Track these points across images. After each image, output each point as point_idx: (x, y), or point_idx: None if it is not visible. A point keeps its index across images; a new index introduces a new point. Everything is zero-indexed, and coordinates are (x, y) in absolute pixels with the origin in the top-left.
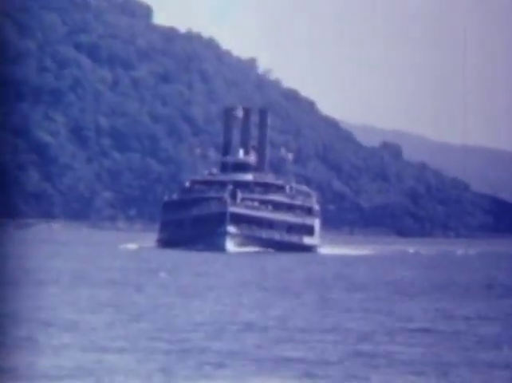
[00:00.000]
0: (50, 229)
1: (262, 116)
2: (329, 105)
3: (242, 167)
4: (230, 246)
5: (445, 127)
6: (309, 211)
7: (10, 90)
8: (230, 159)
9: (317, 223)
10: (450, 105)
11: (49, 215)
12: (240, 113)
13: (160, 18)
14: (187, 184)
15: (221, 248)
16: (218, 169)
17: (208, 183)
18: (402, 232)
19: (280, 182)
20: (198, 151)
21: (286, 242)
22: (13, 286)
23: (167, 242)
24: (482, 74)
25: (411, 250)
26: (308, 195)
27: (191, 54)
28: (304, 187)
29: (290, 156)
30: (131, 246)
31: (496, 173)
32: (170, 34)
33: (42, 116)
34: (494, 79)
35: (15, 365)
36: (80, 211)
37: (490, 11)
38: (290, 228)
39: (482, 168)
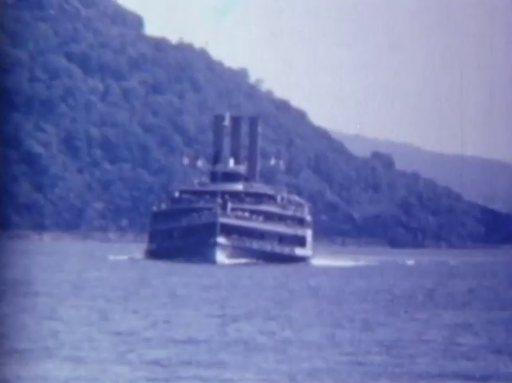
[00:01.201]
0: (41, 240)
1: (253, 124)
2: (321, 116)
3: (232, 176)
4: (221, 257)
5: (440, 137)
6: (300, 222)
7: (2, 100)
8: (219, 168)
9: (309, 233)
10: (446, 115)
11: (40, 226)
12: (228, 121)
13: (151, 29)
14: (176, 194)
15: (211, 260)
16: (208, 179)
17: (197, 193)
18: (394, 243)
19: (271, 192)
20: (186, 160)
21: (278, 254)
22: (1, 296)
23: (156, 254)
24: (480, 84)
25: (410, 261)
26: (299, 206)
27: (183, 64)
28: (295, 197)
29: (282, 165)
30: (121, 257)
31: (491, 183)
32: (161, 44)
33: (33, 127)
34: (492, 88)
35: (5, 375)
36: (72, 221)
37: (488, 11)
38: (282, 239)
39: (476, 179)
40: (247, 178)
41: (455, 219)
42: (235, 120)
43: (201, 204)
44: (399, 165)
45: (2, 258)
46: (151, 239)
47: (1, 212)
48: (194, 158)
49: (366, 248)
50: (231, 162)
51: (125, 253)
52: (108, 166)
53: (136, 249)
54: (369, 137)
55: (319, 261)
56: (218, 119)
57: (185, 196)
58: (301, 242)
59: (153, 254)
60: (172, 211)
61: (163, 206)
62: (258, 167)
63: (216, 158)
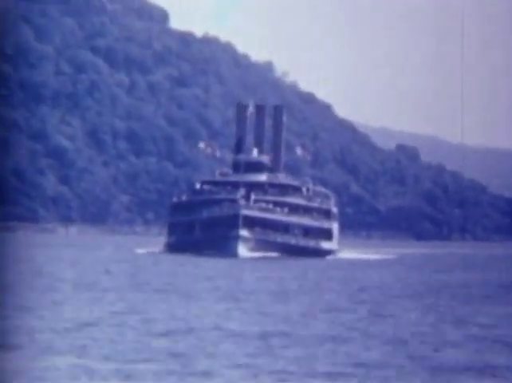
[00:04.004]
0: (67, 233)
1: (278, 113)
2: (346, 108)
3: (256, 166)
4: (243, 251)
5: (464, 129)
6: (327, 214)
7: (28, 94)
8: (242, 158)
9: (335, 226)
10: (472, 107)
11: (66, 219)
12: (252, 109)
13: (176, 23)
14: (197, 185)
15: (233, 253)
16: (230, 169)
17: (219, 184)
18: (419, 235)
19: (296, 183)
20: (202, 144)
21: (303, 247)
22: (29, 290)
23: (175, 247)
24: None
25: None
26: (326, 197)
27: (208, 57)
28: (321, 189)
29: (307, 156)
30: (140, 250)
31: None
32: (186, 38)
33: (60, 121)
34: None
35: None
36: (98, 214)
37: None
38: (307, 232)
39: (502, 171)
40: (271, 168)
41: (481, 211)
42: (259, 109)
43: (223, 195)
44: (424, 158)
45: (29, 251)
46: (171, 232)
47: (27, 205)
48: (211, 146)
49: (391, 241)
50: (255, 152)
51: (147, 246)
52: (133, 159)
53: (160, 242)
54: (394, 130)
55: (346, 254)
56: (241, 107)
57: (206, 187)
58: (327, 235)
59: (172, 247)
60: (193, 203)
61: (184, 197)
62: (283, 158)
63: (238, 147)
